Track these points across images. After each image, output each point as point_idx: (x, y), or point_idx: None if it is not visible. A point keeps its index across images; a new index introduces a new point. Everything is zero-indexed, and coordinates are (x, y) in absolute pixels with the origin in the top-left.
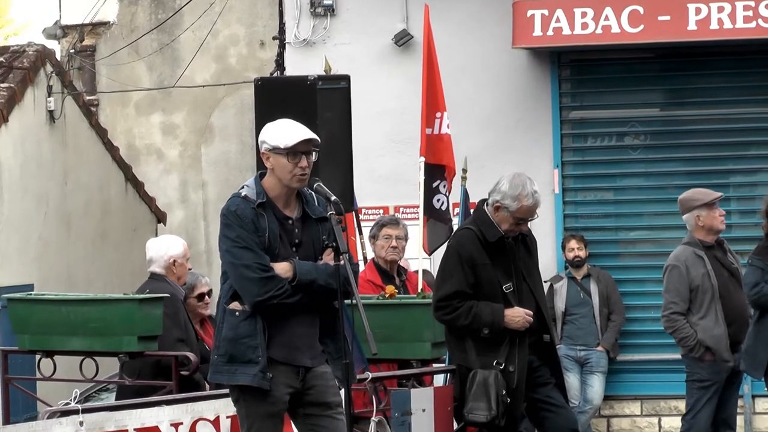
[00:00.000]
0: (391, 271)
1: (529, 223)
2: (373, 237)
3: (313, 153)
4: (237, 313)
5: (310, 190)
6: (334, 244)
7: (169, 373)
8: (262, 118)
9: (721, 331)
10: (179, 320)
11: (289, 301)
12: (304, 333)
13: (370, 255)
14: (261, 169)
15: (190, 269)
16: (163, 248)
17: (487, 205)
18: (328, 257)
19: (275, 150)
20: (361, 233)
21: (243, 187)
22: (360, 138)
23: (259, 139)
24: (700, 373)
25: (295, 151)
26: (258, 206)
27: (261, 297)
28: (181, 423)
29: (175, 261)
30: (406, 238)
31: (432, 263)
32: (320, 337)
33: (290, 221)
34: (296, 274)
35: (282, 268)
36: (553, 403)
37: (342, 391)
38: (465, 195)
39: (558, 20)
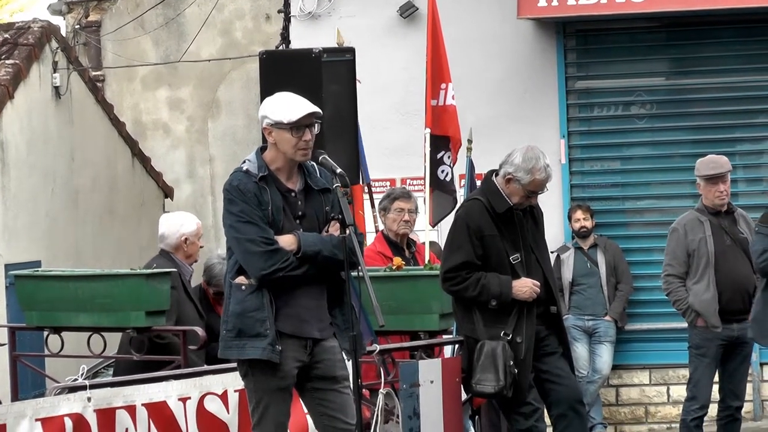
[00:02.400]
0: (400, 243)
1: (539, 195)
2: (384, 210)
3: (316, 125)
4: (243, 288)
5: (312, 162)
6: (340, 216)
7: (165, 350)
8: (268, 91)
9: (710, 296)
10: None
11: (294, 274)
12: (311, 305)
13: (381, 227)
14: (266, 143)
15: (201, 247)
16: (176, 225)
17: (496, 176)
18: (333, 229)
19: (278, 125)
20: (373, 206)
21: (244, 162)
22: (366, 110)
23: (260, 115)
24: (694, 339)
25: (299, 125)
26: (260, 180)
27: (266, 270)
28: (189, 397)
29: (186, 239)
30: (417, 211)
31: (439, 235)
32: (329, 308)
33: (293, 194)
34: (301, 246)
35: (286, 241)
36: (558, 374)
37: (349, 363)
38: (470, 166)
39: None
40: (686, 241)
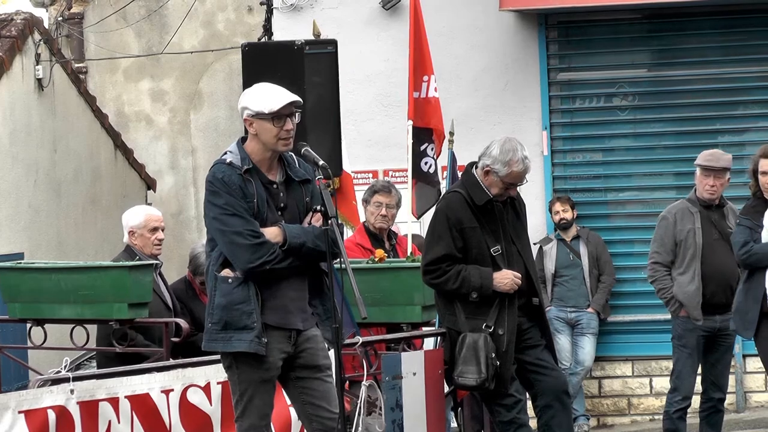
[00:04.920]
0: (381, 235)
1: (518, 186)
2: (365, 201)
3: (297, 114)
4: (230, 280)
5: (291, 153)
6: (322, 208)
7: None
8: (250, 83)
9: (693, 288)
10: None
11: (280, 266)
12: (295, 296)
13: (362, 219)
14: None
15: (160, 240)
16: (125, 219)
17: (476, 168)
18: (315, 220)
19: (259, 115)
20: (354, 198)
21: (226, 153)
22: (348, 102)
23: (240, 106)
24: (676, 330)
25: (279, 115)
26: (245, 172)
27: (253, 263)
28: (172, 390)
29: (133, 232)
30: (398, 206)
31: (421, 227)
32: (309, 299)
33: (275, 185)
34: (286, 238)
35: (272, 233)
36: (543, 366)
37: (331, 353)
38: (452, 158)
39: None
40: (675, 230)
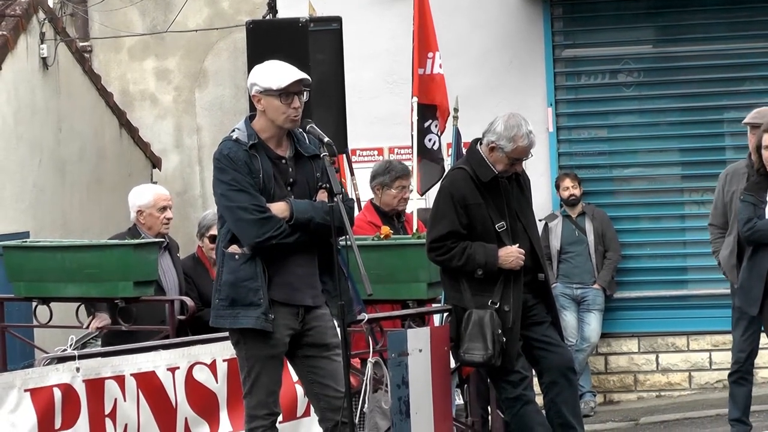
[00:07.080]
0: (390, 213)
1: (523, 162)
2: (384, 185)
3: (305, 92)
4: (236, 257)
5: (300, 129)
6: (327, 185)
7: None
8: (255, 61)
9: (728, 252)
10: None
11: (287, 241)
12: (303, 273)
13: (364, 197)
14: (254, 112)
15: (169, 218)
16: (132, 198)
17: (480, 144)
18: (322, 197)
19: (267, 92)
20: (353, 174)
21: (234, 130)
22: (353, 79)
23: (249, 82)
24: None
25: (287, 92)
26: (250, 148)
27: (260, 238)
28: (178, 367)
29: (141, 211)
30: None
31: (427, 202)
32: (319, 275)
33: (284, 161)
34: (293, 213)
35: (279, 208)
36: (549, 342)
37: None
38: (457, 135)
39: None
40: (724, 191)
